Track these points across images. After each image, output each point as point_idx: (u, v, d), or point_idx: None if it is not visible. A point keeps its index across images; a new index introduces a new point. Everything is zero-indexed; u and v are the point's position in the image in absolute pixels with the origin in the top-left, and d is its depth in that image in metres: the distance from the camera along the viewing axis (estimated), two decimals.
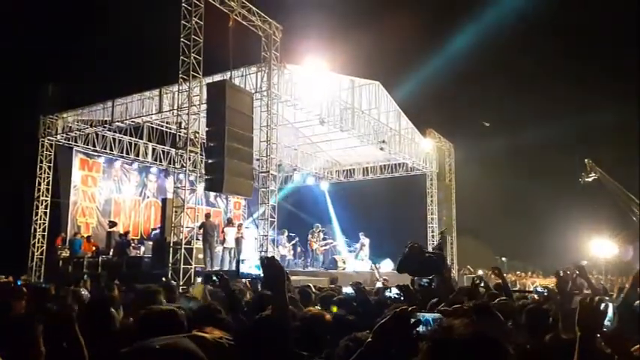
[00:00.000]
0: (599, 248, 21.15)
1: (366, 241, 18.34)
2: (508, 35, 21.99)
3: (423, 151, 20.85)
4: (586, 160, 21.03)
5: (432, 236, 21.20)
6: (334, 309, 2.06)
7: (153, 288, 3.98)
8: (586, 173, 21.18)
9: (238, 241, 14.88)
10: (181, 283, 11.16)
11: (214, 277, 3.65)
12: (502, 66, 23.49)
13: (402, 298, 3.51)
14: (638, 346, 2.26)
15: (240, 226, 15.56)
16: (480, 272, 18.68)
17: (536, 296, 7.03)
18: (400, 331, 1.45)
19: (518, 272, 24.63)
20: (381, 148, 18.09)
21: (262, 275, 2.45)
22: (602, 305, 1.95)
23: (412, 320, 1.44)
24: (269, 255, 12.56)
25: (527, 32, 23.43)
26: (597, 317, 1.93)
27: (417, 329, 1.42)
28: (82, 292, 5.71)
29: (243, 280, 6.63)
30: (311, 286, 6.15)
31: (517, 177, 24.92)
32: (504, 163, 24.80)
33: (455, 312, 2.01)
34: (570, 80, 23.46)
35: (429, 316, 1.49)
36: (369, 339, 1.52)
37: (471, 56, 21.77)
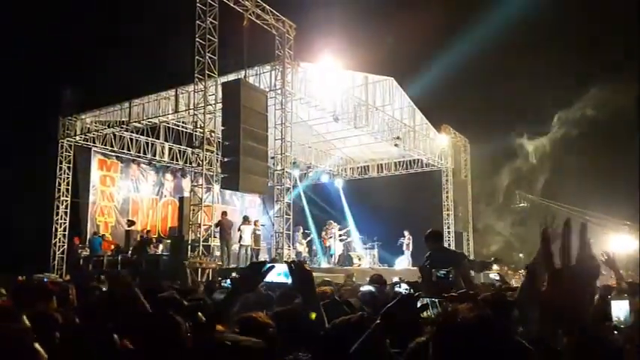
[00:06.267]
0: (619, 243, 20.85)
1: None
2: (524, 31, 21.73)
3: (438, 147, 20.75)
4: (516, 192, 22.51)
5: (448, 232, 21.08)
6: (312, 315, 2.05)
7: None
8: (517, 203, 22.71)
9: (257, 238, 15.00)
10: (199, 279, 11.31)
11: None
12: (518, 61, 23.22)
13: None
14: None
15: (257, 222, 15.67)
16: (495, 267, 18.58)
17: None
18: (404, 314, 1.56)
19: None
20: (396, 145, 18.05)
21: (291, 282, 2.43)
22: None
23: (418, 304, 1.53)
24: (295, 260, 12.69)
25: (544, 28, 23.13)
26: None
27: (422, 313, 1.51)
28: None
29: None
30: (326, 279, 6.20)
31: (534, 171, 24.67)
32: (519, 158, 24.58)
33: (459, 297, 2.06)
34: (586, 75, 23.11)
35: (435, 299, 1.57)
36: (377, 321, 1.60)
37: (486, 52, 21.57)
